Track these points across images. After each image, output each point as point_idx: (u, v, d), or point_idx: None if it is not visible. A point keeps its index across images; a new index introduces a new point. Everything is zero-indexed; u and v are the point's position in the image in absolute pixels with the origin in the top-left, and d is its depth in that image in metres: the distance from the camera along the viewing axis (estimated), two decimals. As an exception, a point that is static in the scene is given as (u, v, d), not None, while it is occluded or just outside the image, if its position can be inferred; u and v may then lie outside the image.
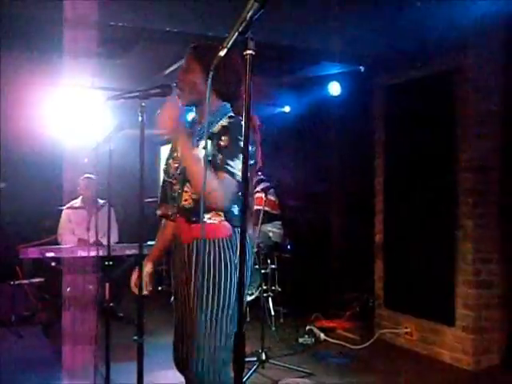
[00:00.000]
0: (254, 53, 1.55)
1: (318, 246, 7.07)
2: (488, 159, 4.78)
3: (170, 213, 2.53)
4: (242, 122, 2.29)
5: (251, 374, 4.38)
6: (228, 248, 2.34)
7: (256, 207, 5.55)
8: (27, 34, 4.56)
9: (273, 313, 5.92)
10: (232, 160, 2.26)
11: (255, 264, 5.76)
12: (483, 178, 4.76)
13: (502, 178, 4.79)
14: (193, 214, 2.38)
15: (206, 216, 2.33)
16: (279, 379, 4.40)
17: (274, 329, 5.74)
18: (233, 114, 2.44)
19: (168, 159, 2.56)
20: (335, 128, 7.12)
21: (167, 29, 4.33)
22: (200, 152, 2.33)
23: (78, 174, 5.12)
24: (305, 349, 5.29)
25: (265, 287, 5.78)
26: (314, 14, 4.69)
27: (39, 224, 6.63)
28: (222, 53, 1.56)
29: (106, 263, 3.53)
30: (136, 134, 2.49)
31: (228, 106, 2.47)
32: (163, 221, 2.66)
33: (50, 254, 4.79)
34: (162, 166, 2.62)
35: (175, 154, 2.50)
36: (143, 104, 2.48)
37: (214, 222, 2.35)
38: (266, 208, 5.57)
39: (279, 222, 6.50)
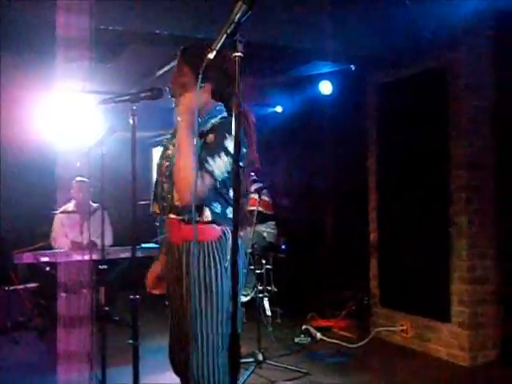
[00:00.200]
0: (242, 55, 1.55)
1: (312, 245, 7.08)
2: (481, 156, 4.79)
3: (161, 211, 2.52)
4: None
5: (248, 375, 4.38)
6: (217, 250, 2.32)
7: (250, 208, 5.55)
8: (18, 39, 4.54)
9: (269, 313, 5.92)
10: (212, 157, 2.23)
11: (250, 264, 5.77)
12: (477, 175, 4.77)
13: (496, 174, 4.81)
14: (183, 213, 2.37)
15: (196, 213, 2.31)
16: (276, 380, 4.40)
17: (270, 329, 5.74)
18: (226, 115, 2.43)
19: (161, 158, 2.55)
20: (328, 127, 7.12)
21: (157, 31, 4.32)
22: None
23: (71, 178, 5.11)
24: (301, 348, 5.30)
25: (260, 288, 5.77)
26: (305, 13, 4.69)
27: (34, 229, 6.61)
28: (211, 55, 1.56)
29: (101, 267, 3.52)
30: (128, 137, 2.49)
31: (222, 106, 2.47)
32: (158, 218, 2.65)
33: (45, 259, 4.78)
34: (155, 167, 2.62)
35: (168, 152, 2.50)
36: (134, 107, 2.48)
37: (204, 221, 2.32)
38: (260, 208, 5.58)
39: (273, 223, 6.51)
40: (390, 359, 4.99)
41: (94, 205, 5.37)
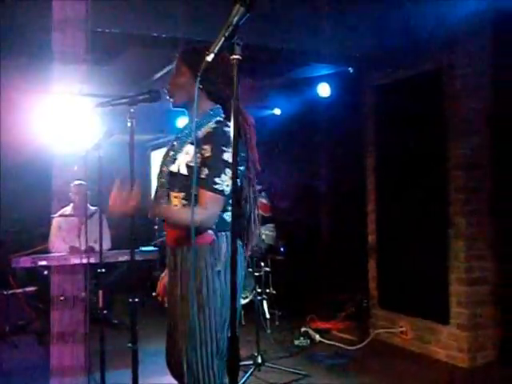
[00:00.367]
0: (240, 57, 1.55)
1: (310, 247, 7.08)
2: (478, 156, 4.79)
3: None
4: (227, 129, 2.29)
5: (247, 378, 4.37)
6: (209, 254, 2.30)
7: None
8: (15, 41, 4.54)
9: (268, 315, 5.92)
10: (219, 176, 2.24)
11: (249, 267, 5.75)
12: (474, 176, 4.78)
13: (493, 175, 4.81)
14: None
15: None
16: (275, 382, 4.39)
17: (269, 331, 5.74)
18: (221, 119, 2.40)
19: (161, 165, 2.54)
20: (326, 129, 7.13)
21: (155, 34, 4.32)
22: (183, 156, 2.33)
23: (69, 182, 5.09)
24: (300, 351, 5.29)
25: (259, 290, 5.77)
26: (302, 15, 4.70)
27: (32, 232, 6.60)
28: (209, 58, 1.55)
29: (99, 270, 3.51)
30: (126, 140, 2.48)
31: (219, 108, 2.45)
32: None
33: (43, 263, 4.75)
34: (153, 170, 2.61)
35: (168, 156, 2.49)
36: (132, 110, 2.48)
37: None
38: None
39: (272, 225, 6.50)
40: (389, 361, 4.98)
41: (92, 208, 5.36)
